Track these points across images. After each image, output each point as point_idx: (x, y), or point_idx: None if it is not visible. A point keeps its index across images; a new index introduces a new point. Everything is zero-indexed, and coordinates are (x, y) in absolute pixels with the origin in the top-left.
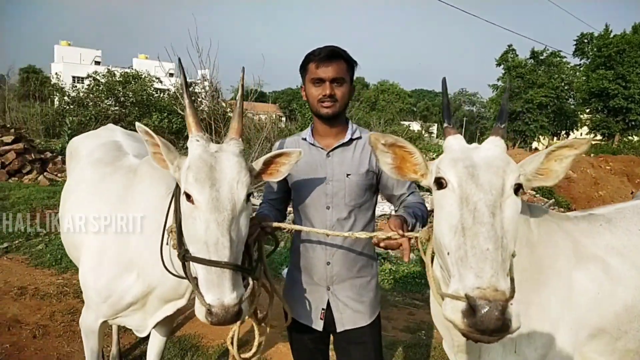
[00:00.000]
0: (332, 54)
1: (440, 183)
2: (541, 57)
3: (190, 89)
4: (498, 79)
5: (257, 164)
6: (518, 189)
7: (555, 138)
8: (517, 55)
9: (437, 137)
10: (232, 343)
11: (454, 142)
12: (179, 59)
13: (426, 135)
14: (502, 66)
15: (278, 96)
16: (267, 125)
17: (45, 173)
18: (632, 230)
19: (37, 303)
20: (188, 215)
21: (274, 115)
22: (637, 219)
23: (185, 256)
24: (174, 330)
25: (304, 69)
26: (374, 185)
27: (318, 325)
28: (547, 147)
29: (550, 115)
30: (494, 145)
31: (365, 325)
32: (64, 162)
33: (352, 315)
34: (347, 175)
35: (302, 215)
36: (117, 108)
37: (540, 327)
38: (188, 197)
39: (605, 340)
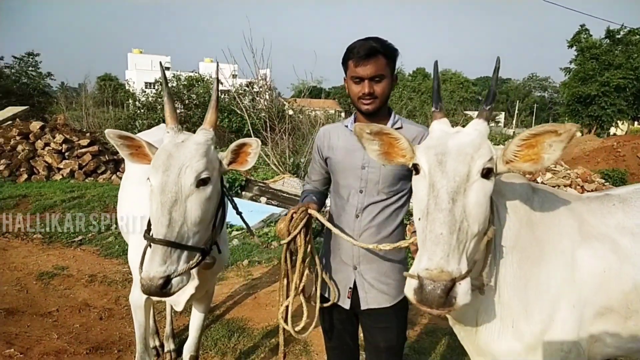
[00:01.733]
0: (370, 52)
1: (416, 168)
2: (618, 37)
3: (249, 89)
4: (570, 62)
5: (227, 155)
6: (488, 173)
7: (636, 123)
8: (590, 36)
9: (504, 126)
10: (284, 318)
11: (437, 127)
12: (160, 63)
13: (492, 124)
14: (574, 48)
15: (338, 91)
16: (320, 121)
17: (117, 173)
18: None
19: (105, 289)
20: (149, 198)
21: (332, 111)
22: None
23: (145, 235)
24: (222, 313)
25: (345, 64)
26: (410, 176)
27: (345, 303)
28: (625, 133)
29: (629, 98)
30: (473, 129)
31: (389, 307)
32: None
33: (376, 295)
34: (383, 165)
35: (337, 197)
36: (182, 110)
37: (539, 304)
38: (149, 181)
39: (615, 320)
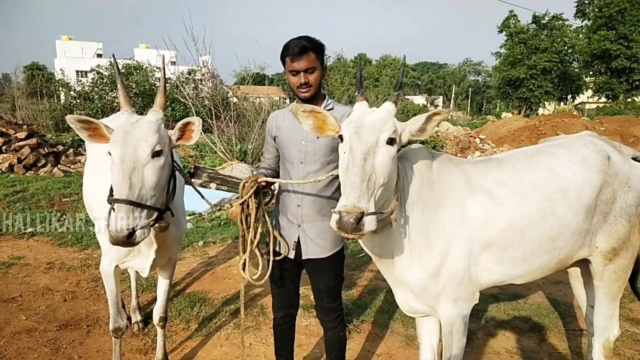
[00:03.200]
0: (302, 49)
1: (341, 138)
2: (543, 22)
3: (190, 76)
4: (501, 46)
5: (175, 133)
6: (392, 141)
7: (562, 103)
8: (518, 21)
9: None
10: (242, 269)
11: (358, 107)
12: (113, 56)
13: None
14: (504, 33)
15: (281, 78)
16: (265, 109)
17: (59, 165)
18: (516, 167)
19: (65, 274)
20: (110, 168)
21: (276, 97)
22: (523, 159)
23: (108, 199)
24: (183, 288)
25: (282, 60)
26: None
27: (290, 254)
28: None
29: (554, 80)
30: (384, 109)
31: (325, 257)
32: (75, 154)
33: (315, 248)
34: (317, 137)
35: (284, 168)
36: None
37: (437, 242)
38: (110, 154)
39: (496, 251)
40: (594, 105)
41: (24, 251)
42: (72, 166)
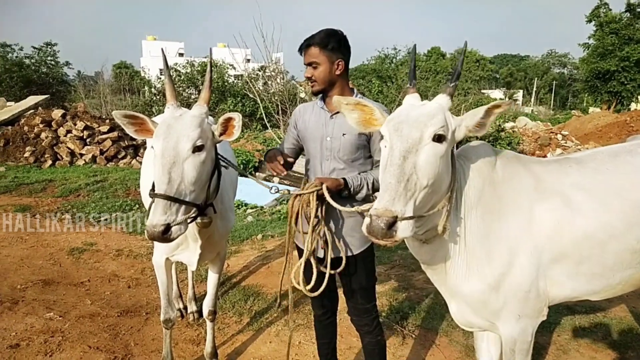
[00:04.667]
0: (306, 44)
1: (382, 135)
2: (639, 10)
3: (260, 72)
4: (589, 37)
5: (217, 128)
6: (440, 138)
7: None
8: (610, 10)
9: (522, 105)
10: (295, 279)
11: (407, 101)
12: (162, 51)
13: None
14: (593, 22)
15: (350, 72)
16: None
17: (137, 157)
18: (599, 170)
19: (131, 261)
20: (152, 162)
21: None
22: (607, 160)
23: (150, 193)
24: (239, 281)
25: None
26: (367, 146)
27: (320, 253)
28: (637, 109)
29: None
30: (435, 102)
31: (356, 254)
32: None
33: (344, 245)
34: (343, 134)
35: (308, 165)
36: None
37: (499, 251)
38: (152, 148)
39: (569, 264)
40: None
41: (96, 238)
42: None
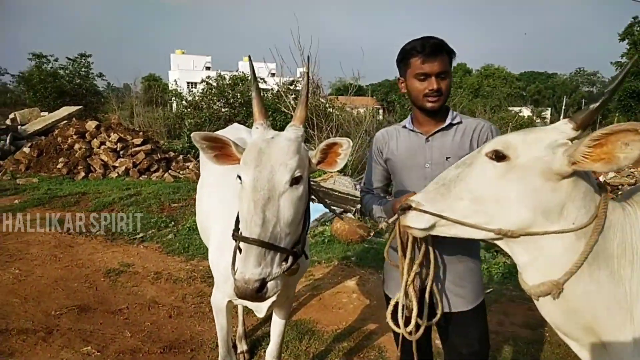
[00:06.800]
0: (437, 49)
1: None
2: None
3: (292, 87)
4: (622, 55)
5: (315, 155)
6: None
7: None
8: None
9: (551, 123)
10: (393, 319)
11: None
12: (249, 57)
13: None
14: (626, 41)
15: (375, 88)
16: (367, 119)
17: (169, 171)
18: None
19: (171, 286)
20: (238, 195)
21: (372, 108)
22: None
23: (233, 234)
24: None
25: (405, 63)
26: None
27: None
28: None
29: None
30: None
31: (467, 310)
32: (185, 160)
33: (453, 298)
34: (447, 158)
35: (398, 197)
36: (227, 109)
37: None
38: (240, 178)
39: None
40: None
41: (133, 258)
42: (181, 172)
